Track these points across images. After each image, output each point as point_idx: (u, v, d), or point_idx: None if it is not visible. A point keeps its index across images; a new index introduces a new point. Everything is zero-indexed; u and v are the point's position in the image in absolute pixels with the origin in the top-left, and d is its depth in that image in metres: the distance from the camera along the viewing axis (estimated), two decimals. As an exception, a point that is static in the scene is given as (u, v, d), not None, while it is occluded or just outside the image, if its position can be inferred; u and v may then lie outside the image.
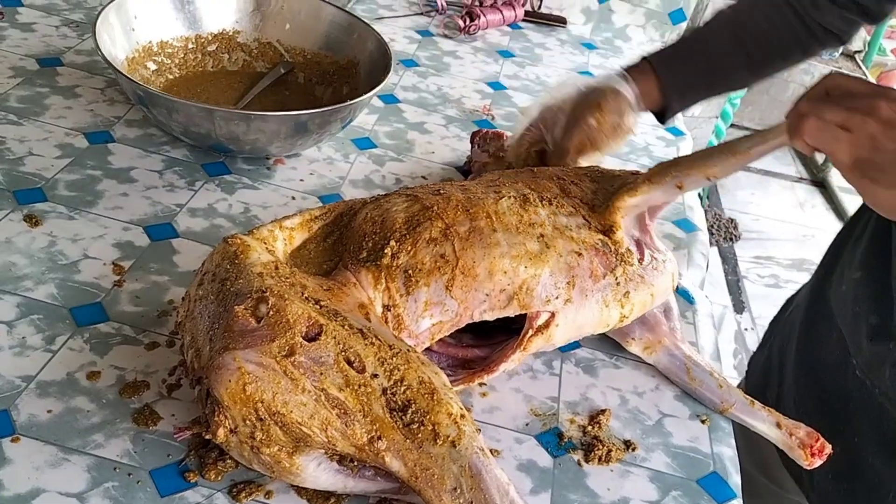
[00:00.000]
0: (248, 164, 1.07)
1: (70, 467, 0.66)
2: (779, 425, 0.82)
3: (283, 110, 0.98)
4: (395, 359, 0.66)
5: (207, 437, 0.63)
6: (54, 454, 0.67)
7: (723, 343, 2.23)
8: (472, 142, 1.14)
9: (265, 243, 0.74)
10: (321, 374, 0.62)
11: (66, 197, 0.95)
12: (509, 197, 0.81)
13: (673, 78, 1.01)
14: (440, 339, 0.79)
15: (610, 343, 0.92)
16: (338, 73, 1.21)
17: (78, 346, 0.77)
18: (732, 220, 2.66)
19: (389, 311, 0.73)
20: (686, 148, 1.36)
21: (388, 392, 0.64)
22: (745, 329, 2.33)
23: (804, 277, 2.69)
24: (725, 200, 2.80)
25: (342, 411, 0.62)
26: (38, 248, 0.87)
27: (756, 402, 0.83)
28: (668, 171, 0.80)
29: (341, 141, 1.16)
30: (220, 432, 0.62)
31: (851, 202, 3.08)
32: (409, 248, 0.74)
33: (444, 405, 0.65)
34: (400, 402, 0.64)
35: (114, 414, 0.71)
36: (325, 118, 1.02)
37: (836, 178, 3.18)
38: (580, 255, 0.79)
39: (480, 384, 0.83)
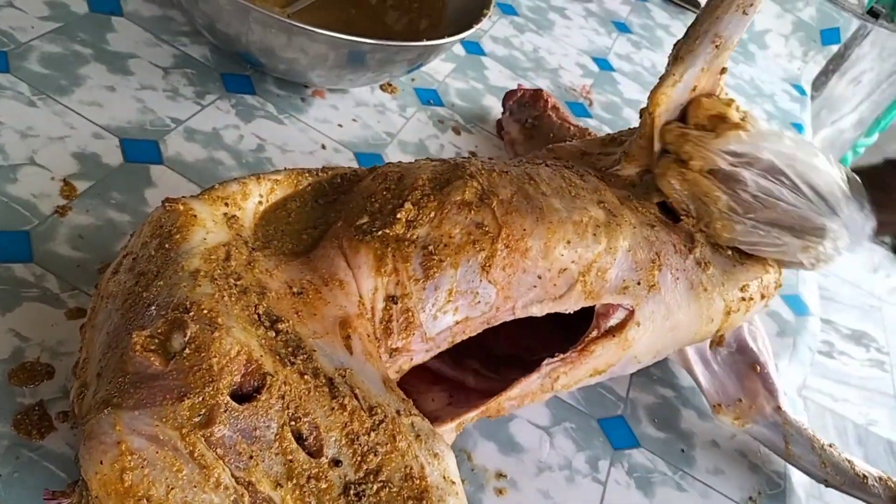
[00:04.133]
0: (278, 88, 0.84)
1: None
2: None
3: (341, 32, 0.74)
4: (374, 434, 0.44)
5: None
6: None
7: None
8: (503, 104, 0.91)
9: (228, 205, 0.51)
10: (251, 457, 0.41)
11: (34, 74, 0.72)
12: (545, 164, 0.62)
13: None
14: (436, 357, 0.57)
15: (676, 451, 0.69)
16: (420, 0, 0.96)
17: (-25, 290, 0.55)
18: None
19: (396, 304, 0.51)
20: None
21: (353, 491, 0.42)
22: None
23: (860, 353, 2.44)
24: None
25: None
26: (-28, 134, 0.65)
27: (870, 475, 0.68)
28: (695, 32, 0.62)
29: (402, 87, 0.92)
30: None
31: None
32: (433, 213, 0.52)
33: None
34: None
35: (-10, 406, 0.50)
36: (390, 55, 0.78)
37: (917, 248, 2.88)
38: (653, 226, 0.60)
39: (499, 476, 0.61)
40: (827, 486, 0.69)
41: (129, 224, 0.64)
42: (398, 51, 0.78)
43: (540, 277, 0.54)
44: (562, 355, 0.57)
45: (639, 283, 0.58)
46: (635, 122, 1.04)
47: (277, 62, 0.78)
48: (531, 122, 0.88)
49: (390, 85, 0.91)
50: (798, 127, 1.26)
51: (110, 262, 0.60)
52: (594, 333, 0.58)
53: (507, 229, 0.53)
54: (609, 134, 0.72)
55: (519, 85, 0.97)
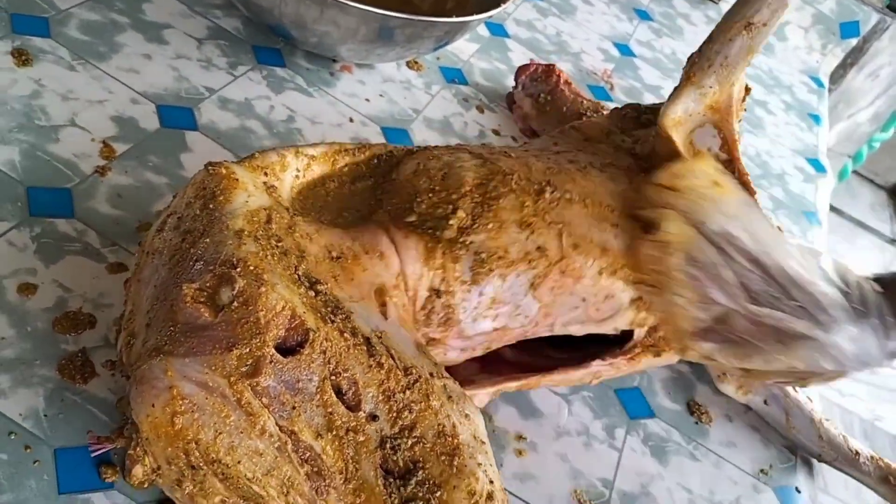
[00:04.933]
0: (308, 62, 0.85)
1: (-51, 416, 0.48)
2: (887, 480, 0.70)
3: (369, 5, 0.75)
4: (409, 392, 0.46)
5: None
6: (-65, 390, 0.48)
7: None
8: (516, 79, 0.92)
9: (267, 174, 0.53)
10: (294, 407, 0.42)
11: (74, 40, 0.74)
12: (593, 166, 0.62)
13: None
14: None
15: (690, 423, 0.71)
16: (447, -20, 0.98)
17: (21, 242, 0.57)
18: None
19: (439, 297, 0.53)
20: (825, 188, 1.12)
21: (389, 445, 0.44)
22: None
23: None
24: (807, 240, 2.55)
25: (315, 469, 0.42)
26: (15, 95, 0.67)
27: (861, 453, 0.70)
28: (708, 51, 0.61)
29: (427, 65, 0.94)
30: (137, 471, 0.42)
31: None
32: (490, 224, 0.54)
33: (466, 476, 0.45)
34: (402, 464, 0.44)
35: (36, 352, 0.52)
36: (418, 31, 0.80)
37: (928, 248, 2.88)
38: None
39: (519, 438, 0.63)
40: (820, 460, 0.72)
41: (166, 186, 0.66)
42: (426, 26, 0.80)
43: (584, 300, 0.56)
44: (611, 359, 0.60)
45: None
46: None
47: (309, 35, 0.79)
48: (545, 97, 0.90)
49: (416, 62, 0.93)
50: (815, 118, 1.27)
51: (149, 220, 0.62)
52: (637, 350, 0.61)
53: (568, 260, 0.54)
54: (626, 107, 0.73)
55: (531, 60, 0.98)
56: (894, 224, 2.93)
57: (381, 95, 0.86)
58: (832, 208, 2.88)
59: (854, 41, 1.41)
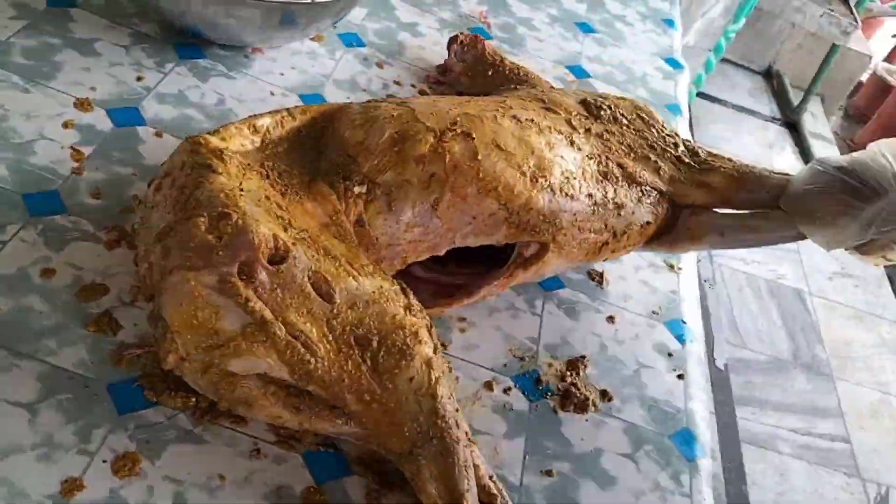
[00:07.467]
0: (223, 50, 0.98)
1: (20, 374, 0.61)
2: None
3: (269, -4, 0.88)
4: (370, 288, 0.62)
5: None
6: (3, 358, 0.61)
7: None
8: (448, 48, 1.08)
9: (230, 141, 0.68)
10: (284, 299, 0.58)
11: (20, 65, 0.85)
12: (517, 120, 0.76)
13: None
14: (423, 265, 0.77)
15: (593, 286, 0.89)
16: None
17: (31, 239, 0.70)
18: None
19: (361, 227, 0.68)
20: (683, 82, 1.31)
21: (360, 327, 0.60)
22: (706, 281, 2.36)
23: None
24: (699, 133, 2.78)
25: (303, 343, 0.58)
26: (-14, 122, 0.78)
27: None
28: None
29: (327, 34, 1.07)
30: (170, 358, 0.57)
31: (821, 148, 3.08)
32: (398, 164, 0.69)
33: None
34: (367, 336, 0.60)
35: (69, 318, 0.65)
36: (317, 12, 0.93)
37: (808, 121, 3.17)
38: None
39: (460, 319, 0.80)
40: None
41: (132, 175, 0.79)
42: (324, 7, 0.93)
43: (474, 218, 0.72)
44: (495, 282, 0.76)
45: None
46: (531, 38, 1.22)
47: (219, 33, 0.92)
48: (473, 62, 1.04)
49: (317, 34, 1.06)
50: (669, 22, 1.45)
51: (127, 204, 0.76)
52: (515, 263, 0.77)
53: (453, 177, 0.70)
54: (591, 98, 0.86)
55: (459, 32, 1.12)
56: (773, 103, 3.20)
57: (292, 68, 1.00)
58: (716, 99, 3.14)
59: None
